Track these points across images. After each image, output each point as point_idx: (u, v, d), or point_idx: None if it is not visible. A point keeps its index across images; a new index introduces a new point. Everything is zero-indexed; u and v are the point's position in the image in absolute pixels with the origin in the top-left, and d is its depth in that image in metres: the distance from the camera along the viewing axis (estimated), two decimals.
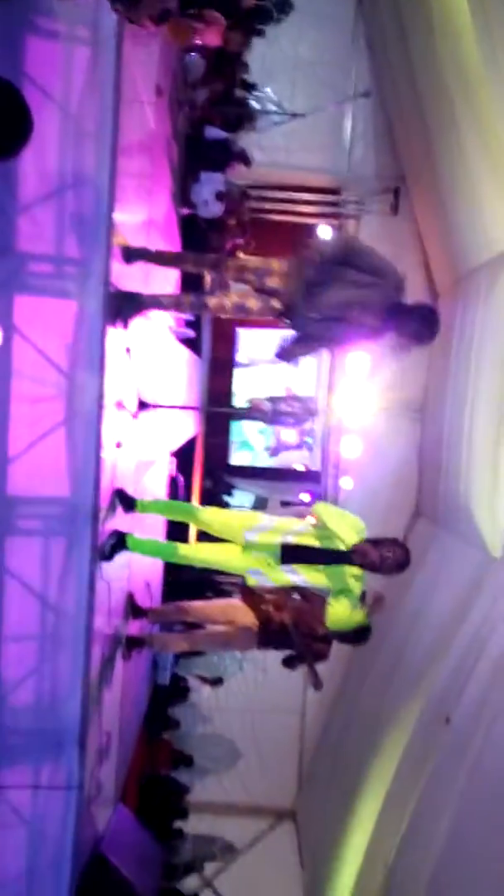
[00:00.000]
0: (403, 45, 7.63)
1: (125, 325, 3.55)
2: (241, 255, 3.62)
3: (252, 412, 10.63)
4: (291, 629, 4.12)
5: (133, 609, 4.29)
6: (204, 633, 4.60)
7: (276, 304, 3.47)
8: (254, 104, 8.44)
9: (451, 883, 5.07)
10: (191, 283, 5.80)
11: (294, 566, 3.64)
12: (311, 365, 11.31)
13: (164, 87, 4.81)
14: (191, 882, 8.27)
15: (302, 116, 6.60)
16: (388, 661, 7.80)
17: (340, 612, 3.66)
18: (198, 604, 4.62)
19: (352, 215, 8.83)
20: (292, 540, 3.67)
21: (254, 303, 3.51)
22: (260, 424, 10.89)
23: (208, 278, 5.15)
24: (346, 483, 9.52)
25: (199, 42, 5.54)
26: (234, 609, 4.48)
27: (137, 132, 3.90)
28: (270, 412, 10.84)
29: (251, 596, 4.42)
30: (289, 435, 11.26)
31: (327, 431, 10.04)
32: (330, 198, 9.07)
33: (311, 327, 3.46)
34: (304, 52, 8.92)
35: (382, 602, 3.74)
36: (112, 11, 2.90)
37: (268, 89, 8.81)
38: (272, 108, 8.45)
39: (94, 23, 3.09)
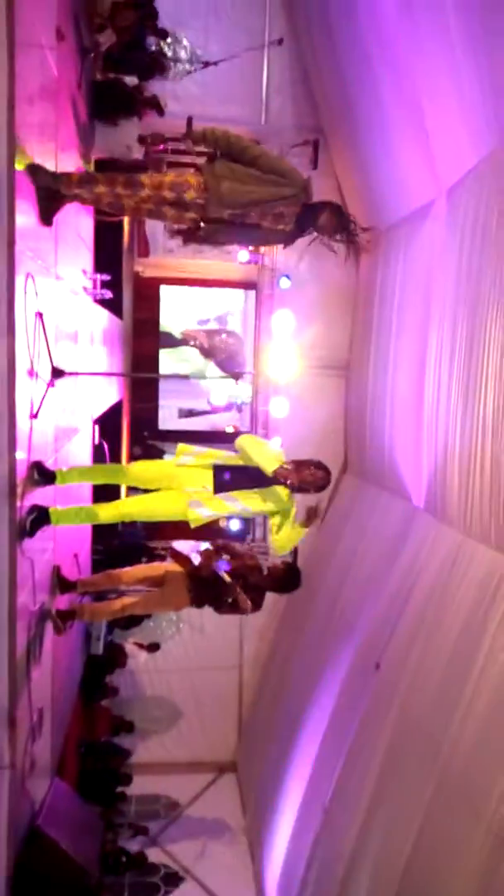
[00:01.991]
0: None
1: (50, 223, 3.57)
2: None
3: (186, 342, 10.58)
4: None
5: (60, 583, 4.19)
6: (134, 595, 4.56)
7: (191, 214, 3.60)
8: (166, 51, 8.06)
9: (384, 816, 5.35)
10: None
11: (231, 493, 3.76)
12: (237, 324, 11.23)
13: (66, 31, 4.50)
14: (138, 842, 8.42)
15: (214, 65, 6.36)
16: (321, 612, 8.03)
17: (284, 536, 3.87)
18: (127, 569, 4.56)
19: None
20: (223, 462, 3.83)
21: (170, 211, 3.64)
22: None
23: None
24: (275, 442, 9.58)
25: None
26: (165, 569, 4.46)
27: (38, 79, 3.64)
28: (205, 343, 10.77)
29: (181, 555, 4.43)
30: (218, 398, 11.20)
31: (255, 392, 10.03)
32: None
33: (225, 231, 3.64)
34: None
35: (316, 513, 3.88)
36: None
37: (180, 36, 8.42)
38: (185, 55, 8.11)
39: None
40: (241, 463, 3.85)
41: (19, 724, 3.22)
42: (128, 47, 6.44)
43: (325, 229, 3.68)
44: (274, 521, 3.94)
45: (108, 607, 4.56)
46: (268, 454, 3.82)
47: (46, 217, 3.53)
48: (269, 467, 3.73)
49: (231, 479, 3.80)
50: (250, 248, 8.08)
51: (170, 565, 4.53)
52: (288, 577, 4.36)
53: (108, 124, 6.22)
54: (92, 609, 4.52)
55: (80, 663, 6.17)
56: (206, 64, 6.41)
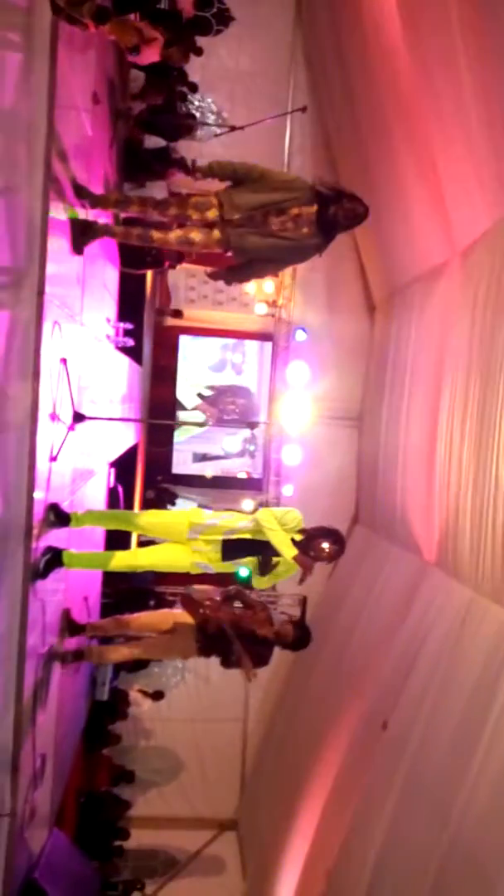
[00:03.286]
0: (340, 62, 7.80)
1: (81, 252, 3.75)
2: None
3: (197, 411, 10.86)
4: (228, 630, 4.13)
5: (70, 625, 4.18)
6: (142, 641, 4.53)
7: (216, 233, 3.70)
8: (194, 113, 8.45)
9: (389, 886, 5.15)
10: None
11: (237, 561, 3.76)
12: (253, 374, 11.39)
13: (101, 96, 4.75)
14: None
15: (240, 129, 6.67)
16: (328, 665, 7.88)
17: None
18: (136, 615, 4.54)
19: None
20: (234, 536, 3.77)
21: (197, 235, 3.74)
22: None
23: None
24: (287, 490, 9.60)
25: (138, 58, 5.54)
26: (174, 617, 4.43)
27: (73, 138, 3.84)
28: (214, 417, 10.97)
29: (191, 603, 4.38)
30: (231, 444, 11.32)
31: (269, 440, 10.11)
32: None
33: (252, 237, 3.67)
34: (244, 63, 9.01)
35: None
36: (50, 10, 2.83)
37: (209, 100, 8.84)
38: (212, 118, 8.48)
39: (28, 28, 3.02)
40: (252, 536, 3.78)
41: (22, 770, 3.17)
42: (158, 111, 6.78)
43: (345, 222, 3.71)
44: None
45: (116, 650, 4.53)
46: (286, 539, 3.69)
47: (78, 247, 3.74)
48: (288, 554, 3.67)
49: (241, 552, 3.77)
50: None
51: (179, 614, 4.49)
52: (298, 637, 4.31)
53: (137, 185, 6.48)
54: (100, 651, 4.49)
55: (85, 709, 6.07)
56: (233, 128, 6.72)
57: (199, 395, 11.03)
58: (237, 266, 3.87)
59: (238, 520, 3.86)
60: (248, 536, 3.76)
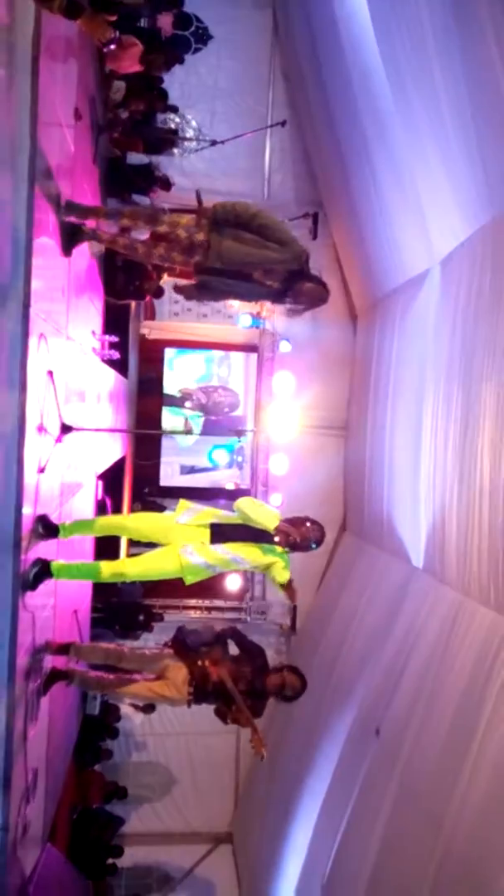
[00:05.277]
0: (318, 78, 7.93)
1: (70, 254, 3.93)
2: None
3: (184, 401, 10.87)
4: (232, 691, 3.99)
5: (54, 646, 4.12)
6: (128, 686, 4.26)
7: (197, 258, 3.88)
8: (175, 128, 8.56)
9: (385, 892, 5.14)
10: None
11: (225, 545, 3.79)
12: (239, 385, 11.44)
13: (83, 111, 4.81)
14: None
15: (221, 144, 6.77)
16: (320, 675, 7.88)
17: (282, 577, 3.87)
18: (126, 650, 4.42)
19: None
20: (222, 521, 3.88)
21: (178, 256, 3.94)
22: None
23: None
24: (275, 500, 9.63)
25: (118, 66, 5.60)
26: (165, 663, 4.22)
27: (56, 154, 3.88)
28: (204, 401, 11.00)
29: (184, 649, 4.21)
30: (221, 456, 11.35)
31: (256, 449, 10.15)
32: None
33: (215, 282, 3.90)
34: (223, 81, 9.13)
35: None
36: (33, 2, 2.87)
37: (189, 116, 8.95)
38: (192, 133, 8.60)
39: (10, 46, 3.06)
40: (239, 522, 3.89)
41: (14, 784, 3.16)
42: (138, 124, 6.86)
43: (305, 297, 3.91)
44: (274, 567, 3.90)
45: (99, 684, 4.36)
46: (267, 513, 3.88)
47: (67, 250, 3.88)
48: (270, 524, 3.79)
49: (228, 533, 3.86)
50: (241, 301, 8.43)
51: (171, 660, 4.22)
52: (299, 692, 4.21)
53: (120, 201, 6.56)
54: (83, 678, 4.33)
55: (77, 724, 6.03)
56: (214, 143, 6.83)
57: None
58: (201, 286, 4.05)
59: (222, 512, 4.01)
60: (236, 521, 3.88)
